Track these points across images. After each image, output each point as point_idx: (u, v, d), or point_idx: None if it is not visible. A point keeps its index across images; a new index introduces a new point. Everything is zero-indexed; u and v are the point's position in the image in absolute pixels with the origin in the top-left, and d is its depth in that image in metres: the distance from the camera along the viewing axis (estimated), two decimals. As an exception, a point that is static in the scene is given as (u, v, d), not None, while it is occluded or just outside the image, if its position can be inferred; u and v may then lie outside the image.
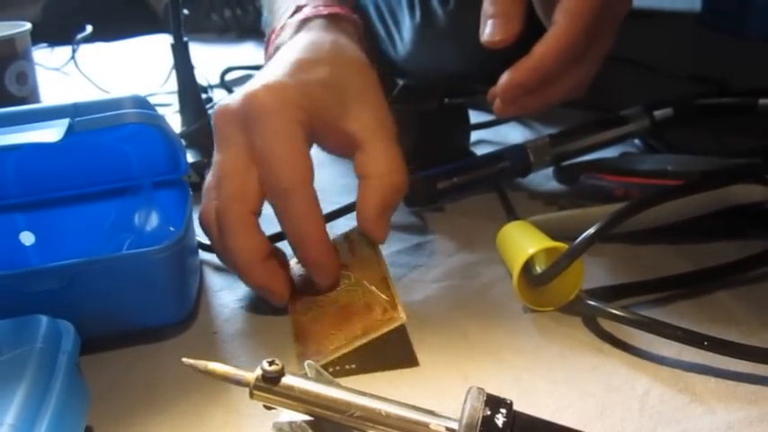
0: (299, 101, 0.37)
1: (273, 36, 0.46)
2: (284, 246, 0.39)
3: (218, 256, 0.39)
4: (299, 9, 0.45)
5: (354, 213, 0.39)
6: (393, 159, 0.38)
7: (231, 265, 0.38)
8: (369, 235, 0.38)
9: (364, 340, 0.33)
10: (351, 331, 0.34)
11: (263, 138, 0.36)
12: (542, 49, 0.41)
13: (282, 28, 0.45)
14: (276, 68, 0.39)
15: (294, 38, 0.43)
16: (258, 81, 0.38)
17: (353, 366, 0.34)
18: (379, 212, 0.38)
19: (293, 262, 0.40)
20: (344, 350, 0.33)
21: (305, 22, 0.44)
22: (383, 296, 0.35)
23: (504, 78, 0.43)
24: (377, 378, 0.33)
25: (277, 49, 0.44)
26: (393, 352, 0.35)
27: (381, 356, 0.34)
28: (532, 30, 0.43)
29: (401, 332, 0.34)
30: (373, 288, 0.36)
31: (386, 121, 0.39)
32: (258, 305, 0.40)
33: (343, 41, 0.42)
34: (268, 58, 0.46)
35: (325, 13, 0.45)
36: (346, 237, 0.40)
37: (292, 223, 0.36)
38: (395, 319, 0.33)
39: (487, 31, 0.42)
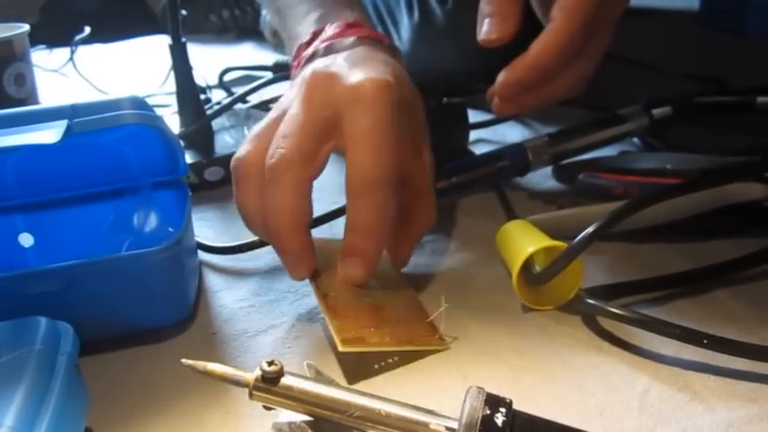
0: (399, 105, 0.37)
1: (324, 35, 0.46)
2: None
3: (245, 206, 0.37)
4: (358, 24, 0.46)
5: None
6: (432, 197, 0.40)
7: (267, 223, 0.36)
8: (395, 259, 0.40)
9: (410, 348, 0.34)
10: (394, 333, 0.34)
11: (367, 125, 0.35)
12: (540, 46, 0.42)
13: (341, 34, 0.45)
14: (377, 68, 0.38)
15: (359, 49, 0.43)
16: (363, 73, 0.37)
17: (396, 359, 0.34)
18: (411, 243, 0.40)
19: None
20: (389, 348, 0.34)
21: (367, 40, 0.44)
22: (422, 316, 0.36)
23: (502, 76, 0.43)
24: (377, 378, 0.33)
25: (329, 48, 0.44)
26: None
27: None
28: (530, 28, 0.43)
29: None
30: (411, 305, 0.37)
31: (431, 159, 0.41)
32: (257, 306, 0.40)
33: (406, 74, 0.43)
34: (314, 52, 0.45)
35: (384, 40, 0.45)
36: None
37: (367, 212, 0.35)
38: (440, 343, 0.35)
39: (484, 29, 0.42)
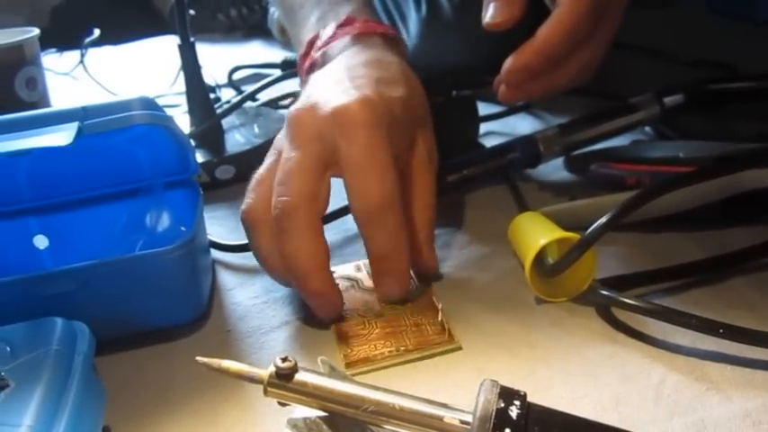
0: (386, 118, 0.36)
1: (319, 42, 0.46)
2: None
3: (262, 254, 0.37)
4: (350, 21, 0.46)
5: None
6: (433, 194, 0.40)
7: (289, 269, 0.35)
8: (420, 269, 0.40)
9: (417, 355, 0.34)
10: (401, 344, 0.35)
11: (360, 151, 0.35)
12: (546, 31, 0.41)
13: (333, 37, 0.45)
14: (357, 82, 0.38)
15: (352, 50, 0.43)
16: (343, 94, 0.37)
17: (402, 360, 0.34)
18: (430, 244, 0.39)
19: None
20: (396, 361, 0.34)
21: (361, 37, 0.45)
22: (433, 320, 0.36)
23: (509, 62, 0.43)
24: (390, 372, 0.33)
25: (325, 56, 0.45)
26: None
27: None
28: (539, 18, 0.42)
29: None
30: (423, 305, 0.37)
31: (435, 154, 0.42)
32: (270, 303, 0.40)
33: (405, 64, 0.43)
34: (311, 63, 0.46)
35: (381, 31, 0.46)
36: None
37: (383, 237, 0.35)
38: (450, 342, 0.34)
39: (489, 13, 0.42)
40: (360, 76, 0.39)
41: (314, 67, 0.45)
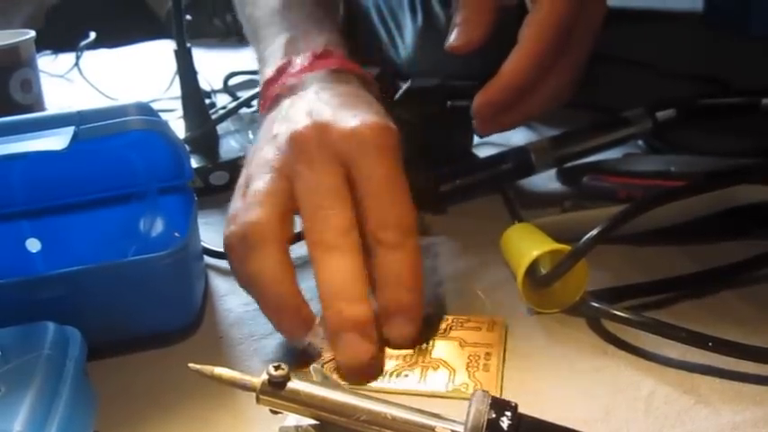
0: (398, 143, 0.36)
1: (292, 70, 0.44)
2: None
3: (271, 277, 0.33)
4: (328, 53, 0.44)
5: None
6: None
7: (335, 293, 0.33)
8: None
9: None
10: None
11: (385, 174, 0.34)
12: (510, 66, 0.42)
13: (309, 67, 0.43)
14: (362, 108, 0.38)
15: (331, 83, 0.42)
16: (354, 117, 0.36)
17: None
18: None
19: None
20: (389, 389, 0.32)
21: (339, 73, 0.43)
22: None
23: (477, 99, 0.43)
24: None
25: (299, 83, 0.42)
26: None
27: None
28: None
29: None
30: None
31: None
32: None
33: (381, 104, 0.41)
34: (281, 89, 0.43)
35: (358, 72, 0.44)
36: None
37: (407, 263, 0.34)
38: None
39: (451, 37, 0.43)
40: (363, 102, 0.39)
41: (283, 94, 0.43)
